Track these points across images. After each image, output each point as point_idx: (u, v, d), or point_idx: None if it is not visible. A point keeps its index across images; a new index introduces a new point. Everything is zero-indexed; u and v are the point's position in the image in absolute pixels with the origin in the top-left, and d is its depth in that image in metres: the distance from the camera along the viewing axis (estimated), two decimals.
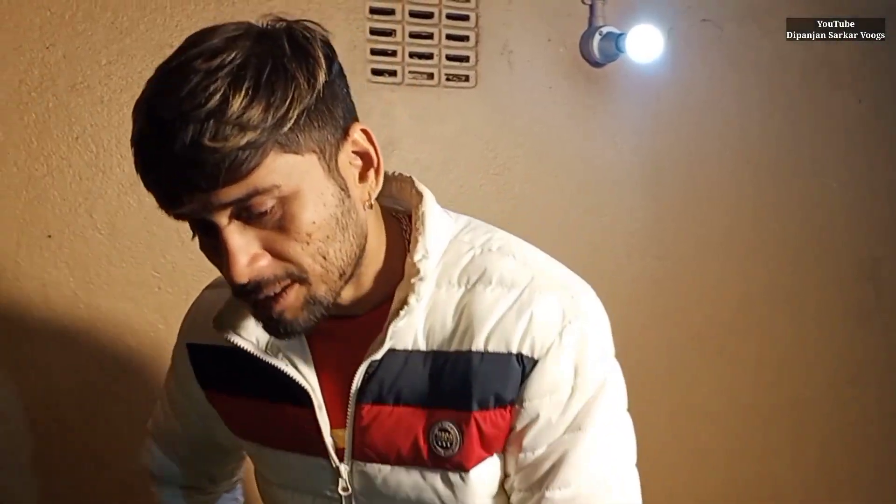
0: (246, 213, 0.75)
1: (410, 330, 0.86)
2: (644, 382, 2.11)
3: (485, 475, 0.90)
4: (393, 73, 1.77)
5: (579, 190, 1.99)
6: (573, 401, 0.86)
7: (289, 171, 0.75)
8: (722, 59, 2.13)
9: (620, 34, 1.88)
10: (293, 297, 0.80)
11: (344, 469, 0.93)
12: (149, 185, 0.76)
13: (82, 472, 1.60)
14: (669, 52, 1.94)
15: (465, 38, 1.83)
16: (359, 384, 0.88)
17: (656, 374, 2.14)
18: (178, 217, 0.78)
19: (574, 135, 1.97)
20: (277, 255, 0.78)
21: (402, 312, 0.84)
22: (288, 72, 0.74)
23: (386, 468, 0.91)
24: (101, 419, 1.59)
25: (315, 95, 0.76)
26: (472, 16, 1.83)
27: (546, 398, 0.85)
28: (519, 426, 0.87)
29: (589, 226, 2.01)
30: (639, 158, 2.05)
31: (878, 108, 2.35)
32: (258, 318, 0.85)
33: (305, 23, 0.81)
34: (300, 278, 0.79)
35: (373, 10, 1.74)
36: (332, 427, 0.92)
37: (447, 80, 1.82)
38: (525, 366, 0.85)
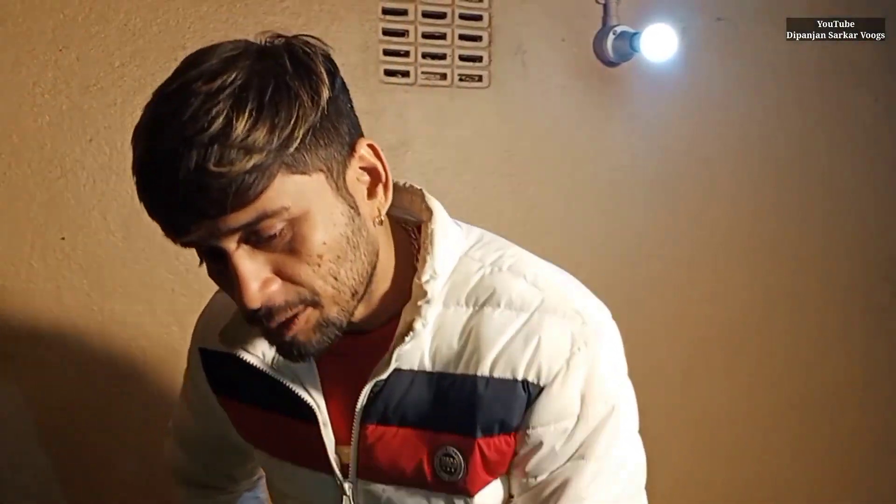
0: (255, 238, 0.74)
1: (417, 350, 0.85)
2: (659, 388, 2.10)
3: (489, 499, 0.89)
4: (406, 74, 1.76)
5: (593, 190, 1.98)
6: (578, 430, 0.84)
7: (297, 193, 0.73)
8: (737, 59, 2.12)
9: (634, 33, 1.87)
10: (304, 321, 0.78)
11: (348, 487, 0.92)
12: (153, 214, 0.74)
13: (95, 474, 1.59)
14: (684, 52, 1.93)
15: (478, 39, 1.83)
16: (364, 403, 0.87)
17: (674, 376, 2.13)
18: (185, 245, 0.76)
19: (588, 134, 1.96)
20: (288, 278, 0.76)
21: (406, 338, 0.82)
22: (291, 90, 0.72)
23: (390, 488, 0.90)
24: (114, 421, 1.59)
25: (320, 113, 0.74)
26: (486, 16, 1.82)
27: (550, 426, 0.84)
28: (522, 452, 0.86)
29: (603, 226, 2.00)
30: (653, 158, 2.04)
31: (895, 106, 2.33)
32: (271, 342, 0.83)
33: (305, 38, 0.79)
34: (312, 302, 0.78)
35: (385, 11, 1.73)
36: (337, 443, 0.92)
37: (460, 80, 1.81)
38: (531, 392, 0.83)
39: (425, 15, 1.77)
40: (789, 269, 2.26)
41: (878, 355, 2.41)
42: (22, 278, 1.50)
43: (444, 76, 1.80)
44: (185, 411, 1.16)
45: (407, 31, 1.76)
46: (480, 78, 1.83)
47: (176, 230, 0.74)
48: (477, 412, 0.83)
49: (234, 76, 0.71)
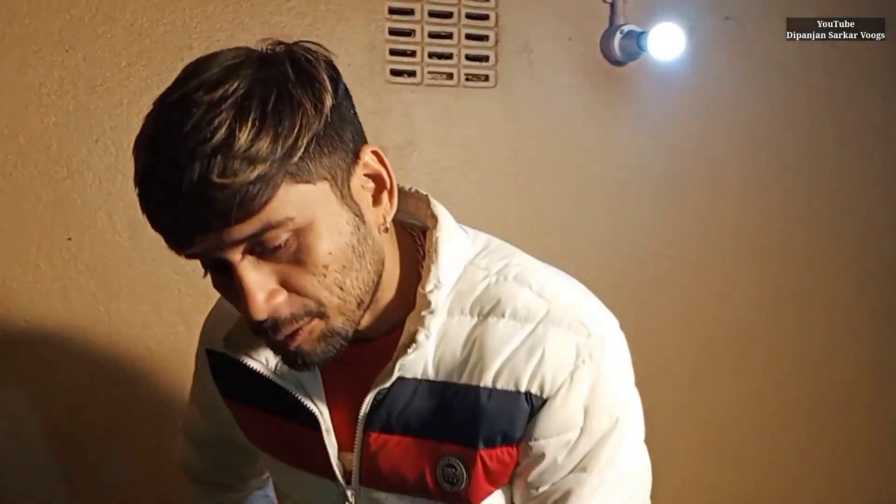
0: (260, 248, 0.73)
1: (420, 359, 0.84)
2: (667, 388, 2.10)
3: None
4: (412, 74, 1.76)
5: (600, 190, 1.97)
6: (580, 442, 0.83)
7: (302, 202, 0.72)
8: (745, 58, 2.11)
9: (642, 32, 1.86)
10: (308, 332, 0.78)
11: (351, 493, 0.92)
12: (157, 227, 0.73)
13: (102, 475, 1.59)
14: (691, 51, 1.92)
15: (484, 38, 1.82)
16: (367, 411, 0.87)
17: (682, 377, 2.12)
18: (189, 257, 0.75)
19: (595, 134, 1.95)
20: (293, 289, 0.75)
21: (409, 350, 0.82)
22: (294, 98, 0.71)
23: (393, 496, 0.90)
24: (120, 421, 1.59)
25: (323, 120, 0.73)
26: (492, 15, 1.82)
27: (553, 438, 0.83)
28: (524, 463, 0.85)
29: (610, 226, 1.99)
30: (661, 158, 2.03)
31: None
32: (276, 352, 0.83)
33: (306, 44, 0.78)
34: (318, 313, 0.77)
35: (392, 11, 1.73)
36: (341, 450, 0.91)
37: (467, 80, 1.81)
38: (533, 405, 0.82)
39: (431, 14, 1.77)
40: (798, 268, 2.24)
41: (886, 355, 2.40)
42: (28, 279, 1.50)
43: (450, 76, 1.80)
44: (195, 411, 1.17)
45: (413, 30, 1.75)
46: (487, 77, 1.83)
47: (180, 243, 0.73)
48: (479, 423, 0.83)
49: (235, 85, 0.70)
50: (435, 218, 0.87)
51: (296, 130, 0.70)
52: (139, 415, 1.60)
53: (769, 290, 2.21)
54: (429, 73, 1.77)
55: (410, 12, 1.75)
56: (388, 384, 0.84)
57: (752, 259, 2.18)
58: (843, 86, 2.24)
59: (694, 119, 2.06)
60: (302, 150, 0.71)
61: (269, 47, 0.77)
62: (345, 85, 0.79)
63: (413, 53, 1.76)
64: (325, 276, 0.75)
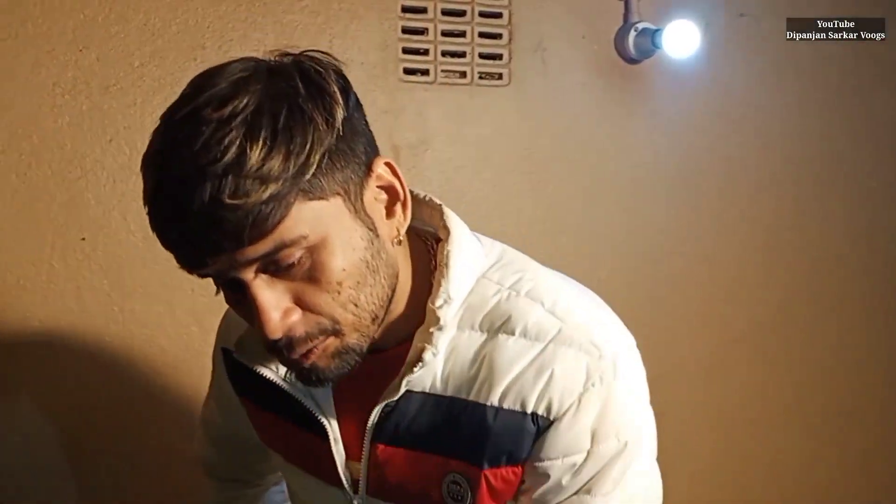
0: (273, 267, 0.72)
1: (429, 373, 0.83)
2: (681, 386, 2.09)
3: None
4: (425, 72, 1.75)
5: (615, 188, 1.96)
6: (586, 465, 0.81)
7: (315, 219, 0.71)
8: (760, 55, 2.09)
9: (656, 30, 1.85)
10: (322, 349, 0.77)
11: (357, 502, 0.92)
12: (167, 246, 0.72)
13: (115, 474, 1.60)
14: (706, 48, 1.91)
15: (498, 36, 1.81)
16: (374, 422, 0.86)
17: (696, 377, 2.11)
18: (202, 276, 0.74)
19: (609, 132, 1.94)
20: (308, 307, 0.74)
21: (415, 368, 0.81)
22: (305, 114, 0.70)
23: None
24: (133, 421, 1.59)
25: (335, 135, 0.71)
26: (505, 13, 1.81)
27: (558, 460, 0.81)
28: (528, 482, 0.84)
29: (625, 224, 1.98)
30: (675, 157, 2.02)
31: None
32: (290, 368, 0.82)
33: (314, 54, 0.76)
34: (333, 331, 0.76)
35: (405, 9, 1.72)
36: (349, 459, 0.91)
37: (480, 78, 1.80)
38: (540, 426, 0.80)
39: (445, 13, 1.76)
40: (811, 267, 2.23)
41: None
42: (42, 279, 1.50)
43: (463, 74, 1.79)
44: (213, 407, 1.17)
45: (426, 28, 1.75)
46: (500, 76, 1.82)
47: (192, 263, 0.72)
48: (485, 442, 0.82)
49: (245, 101, 0.68)
50: (447, 230, 0.86)
51: (308, 147, 0.69)
52: (152, 414, 1.60)
53: (782, 288, 2.20)
54: (442, 71, 1.77)
55: (423, 11, 1.74)
56: (394, 398, 0.83)
57: (765, 257, 2.17)
58: (859, 84, 2.22)
59: (709, 117, 2.05)
60: (314, 166, 0.69)
61: (276, 58, 0.76)
62: (355, 95, 0.78)
63: (426, 52, 1.75)
64: (339, 293, 0.74)
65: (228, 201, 0.66)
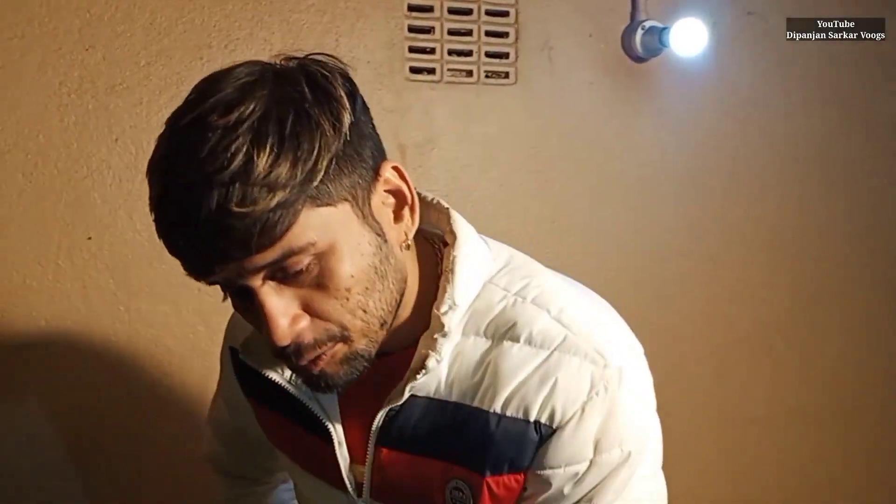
0: (281, 273, 0.71)
1: (434, 378, 0.83)
2: (688, 386, 2.08)
3: None
4: (432, 71, 1.75)
5: (622, 188, 1.96)
6: (589, 475, 0.81)
7: (323, 225, 0.70)
8: (768, 54, 2.08)
9: (663, 28, 1.84)
10: (331, 355, 0.76)
11: None
12: (174, 254, 0.72)
13: (122, 474, 1.60)
14: (713, 47, 1.90)
15: (504, 35, 1.81)
16: (378, 425, 0.86)
17: (702, 377, 2.11)
18: (209, 284, 0.74)
19: (616, 131, 1.93)
20: (316, 313, 0.74)
21: (419, 375, 0.80)
22: (312, 119, 0.69)
23: None
24: (140, 420, 1.59)
25: (342, 140, 0.71)
26: (512, 12, 1.80)
27: (560, 469, 0.80)
28: (531, 489, 0.83)
29: (631, 224, 1.97)
30: (683, 156, 2.01)
31: None
32: (298, 374, 0.82)
33: (320, 58, 0.76)
34: (342, 337, 0.76)
35: (411, 8, 1.72)
36: (353, 462, 0.90)
37: (487, 77, 1.80)
38: (542, 434, 0.80)
39: (451, 11, 1.75)
40: (818, 267, 2.22)
41: None
42: (49, 278, 1.50)
43: (470, 73, 1.78)
44: (221, 404, 1.17)
45: (433, 27, 1.74)
46: (507, 74, 1.81)
47: (199, 271, 0.72)
48: (487, 449, 0.81)
49: (251, 107, 0.68)
50: (454, 235, 0.85)
51: (315, 153, 0.68)
52: (157, 414, 1.60)
53: (788, 287, 2.19)
54: (448, 70, 1.76)
55: (430, 9, 1.73)
56: (398, 403, 0.83)
57: (771, 256, 2.16)
58: (867, 83, 2.21)
59: (716, 115, 2.04)
60: (322, 172, 0.69)
61: (282, 62, 0.75)
62: (362, 98, 0.77)
63: (433, 51, 1.75)
64: (347, 299, 0.74)
65: (236, 209, 0.65)
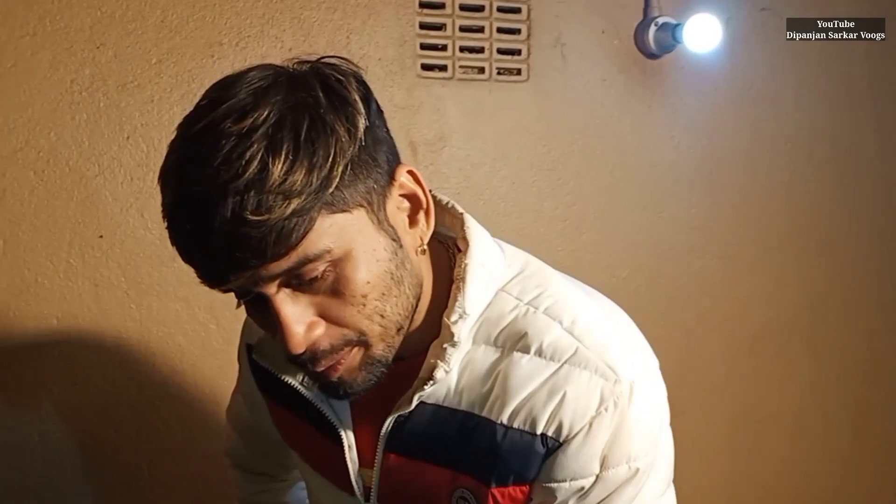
0: (296, 281, 0.71)
1: (443, 386, 0.82)
2: (703, 385, 2.07)
3: None
4: (443, 68, 1.74)
5: (635, 186, 1.94)
6: (594, 490, 0.80)
7: (339, 232, 0.70)
8: (782, 50, 2.06)
9: (677, 24, 1.83)
10: (350, 360, 0.76)
11: None
12: (188, 262, 0.71)
13: (133, 473, 1.60)
14: (728, 43, 1.89)
15: (516, 32, 1.80)
16: (387, 432, 0.85)
17: (716, 376, 2.09)
18: (224, 292, 0.73)
19: (629, 129, 1.92)
20: (333, 320, 0.73)
21: (426, 386, 0.80)
22: (327, 125, 0.68)
23: None
24: (151, 419, 1.59)
25: (357, 145, 0.70)
26: (524, 8, 1.79)
27: (565, 483, 0.79)
28: (536, 500, 0.83)
29: (645, 223, 1.96)
30: (696, 153, 2.00)
31: None
32: (314, 380, 0.81)
33: (333, 61, 0.75)
34: (359, 342, 0.75)
35: (422, 5, 1.71)
36: (362, 465, 0.90)
37: (499, 74, 1.79)
38: (549, 447, 0.79)
39: (463, 8, 1.75)
40: (835, 265, 2.20)
41: None
42: (60, 276, 1.50)
43: (481, 70, 1.77)
44: (239, 401, 1.17)
45: (444, 24, 1.73)
46: (519, 71, 1.80)
47: (214, 280, 0.71)
48: (494, 460, 0.80)
49: (266, 113, 0.67)
50: (467, 242, 0.83)
51: (330, 159, 0.68)
52: (169, 412, 1.60)
53: (803, 286, 2.18)
54: (460, 67, 1.75)
55: (441, 6, 1.73)
56: (407, 411, 0.83)
57: (789, 255, 2.14)
58: (886, 80, 2.19)
59: (730, 112, 2.03)
60: (337, 179, 0.68)
61: (295, 66, 0.74)
62: (376, 102, 0.76)
63: (444, 48, 1.74)
64: (364, 305, 0.73)
65: (251, 217, 0.65)
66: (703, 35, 1.80)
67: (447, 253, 0.87)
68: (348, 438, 0.89)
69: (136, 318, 1.56)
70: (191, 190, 0.67)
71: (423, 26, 1.72)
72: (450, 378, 0.81)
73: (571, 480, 0.79)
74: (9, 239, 1.47)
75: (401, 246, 0.76)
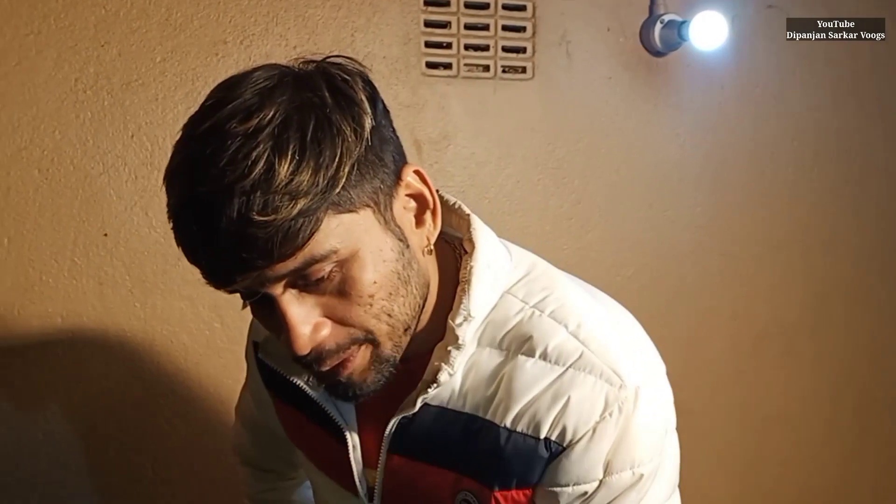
0: (302, 281, 0.70)
1: (447, 388, 0.81)
2: (708, 382, 2.06)
3: None
4: (448, 66, 1.73)
5: (640, 184, 1.94)
6: (597, 495, 0.79)
7: (345, 232, 0.70)
8: (788, 48, 2.06)
9: (683, 22, 1.82)
10: (360, 359, 0.75)
11: None
12: (194, 263, 0.71)
13: (138, 472, 1.60)
14: (733, 41, 1.89)
15: (521, 29, 1.79)
16: (390, 433, 0.85)
17: (721, 374, 2.09)
18: (229, 293, 0.73)
19: (635, 127, 1.91)
20: (339, 320, 0.73)
21: (430, 389, 0.79)
22: (333, 125, 0.68)
23: None
24: (155, 418, 1.59)
25: (364, 145, 0.70)
26: (529, 6, 1.79)
27: (569, 488, 0.79)
28: (539, 503, 0.82)
29: (650, 221, 1.96)
30: (702, 151, 1.99)
31: None
32: (321, 381, 0.80)
33: (339, 60, 0.75)
34: (367, 340, 0.75)
35: (427, 2, 1.71)
36: (366, 465, 0.90)
37: (503, 72, 1.78)
38: (552, 451, 0.78)
39: (468, 6, 1.74)
40: (841, 263, 2.20)
41: None
42: (64, 274, 1.50)
43: (486, 68, 1.77)
44: (248, 396, 1.16)
45: (449, 22, 1.73)
46: (524, 69, 1.80)
47: (219, 281, 0.71)
48: (497, 464, 0.80)
49: (271, 113, 0.66)
50: (472, 244, 0.83)
51: (337, 160, 0.67)
52: (173, 410, 1.60)
53: (808, 284, 2.17)
54: (465, 65, 1.75)
55: (446, 3, 1.72)
56: (411, 413, 0.82)
57: (796, 253, 2.14)
58: (891, 77, 2.18)
59: (736, 111, 2.02)
60: (344, 179, 0.68)
61: (300, 65, 0.74)
62: (383, 102, 0.76)
63: (449, 45, 1.73)
64: (371, 305, 0.73)
65: (257, 218, 0.64)
66: (709, 33, 1.79)
67: (454, 254, 0.86)
68: (353, 438, 0.89)
69: (140, 317, 1.55)
70: (196, 191, 0.66)
71: (427, 24, 1.71)
72: (454, 380, 0.81)
73: (574, 485, 0.79)
74: (13, 237, 1.47)
75: (407, 246, 0.76)
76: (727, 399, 2.11)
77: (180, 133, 0.71)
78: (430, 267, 0.82)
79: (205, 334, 1.59)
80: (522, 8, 1.78)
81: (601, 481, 0.78)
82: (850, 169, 2.17)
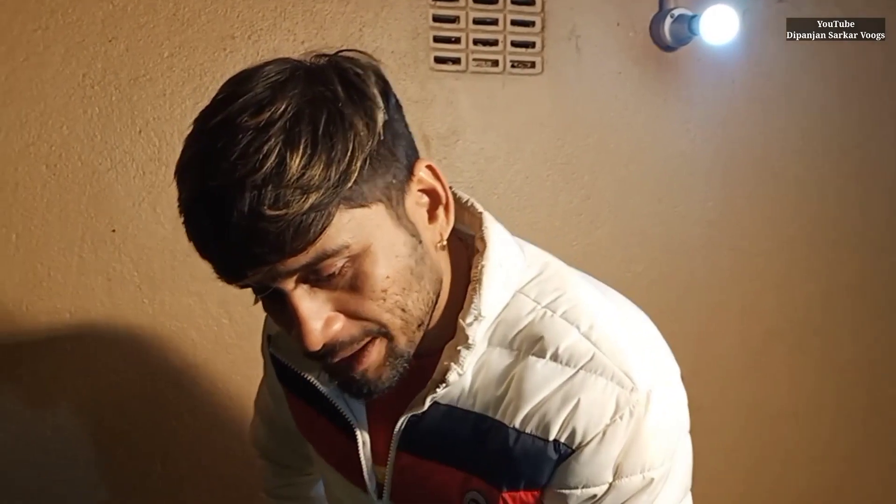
0: (314, 276, 0.70)
1: (457, 387, 0.81)
2: (718, 379, 2.06)
3: None
4: (457, 61, 1.73)
5: (650, 180, 1.93)
6: (606, 498, 0.78)
7: (357, 227, 0.69)
8: (798, 43, 2.04)
9: (693, 16, 1.81)
10: (376, 354, 0.75)
11: None
12: (205, 257, 0.70)
13: (146, 467, 1.60)
14: (744, 35, 1.87)
15: (530, 24, 1.78)
16: (400, 430, 0.84)
17: (731, 369, 2.08)
18: (241, 287, 0.72)
19: (645, 122, 1.90)
20: (352, 315, 0.72)
21: (439, 388, 0.79)
22: (345, 119, 0.68)
23: None
24: (164, 413, 1.59)
25: (376, 139, 0.69)
26: (538, 0, 1.78)
27: (577, 490, 0.78)
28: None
29: (660, 217, 1.95)
30: (712, 146, 1.98)
31: None
32: (333, 376, 0.80)
33: (352, 55, 0.74)
34: (381, 333, 0.74)
35: None
36: (376, 462, 0.89)
37: (512, 66, 1.77)
38: (561, 453, 0.77)
39: (476, 0, 1.73)
40: (851, 259, 2.18)
41: None
42: (72, 270, 1.50)
43: (495, 63, 1.76)
44: (265, 391, 1.17)
45: (458, 16, 1.72)
46: (533, 64, 1.79)
47: (231, 275, 0.70)
48: (506, 464, 0.79)
49: (283, 107, 0.66)
50: (484, 242, 0.82)
51: (349, 154, 0.67)
52: (182, 406, 1.60)
53: (821, 280, 2.16)
54: (474, 60, 1.74)
55: None
56: (420, 411, 0.82)
57: (807, 250, 2.13)
58: None
59: (746, 106, 2.01)
60: (356, 173, 0.67)
61: (312, 60, 0.73)
62: (395, 96, 0.75)
63: (458, 40, 1.72)
64: (384, 299, 0.72)
65: (269, 212, 0.64)
66: (719, 27, 1.78)
67: (466, 252, 0.85)
68: (363, 435, 0.88)
69: (148, 313, 1.55)
70: (207, 185, 0.66)
71: (436, 19, 1.70)
72: (464, 379, 0.80)
73: (583, 488, 0.78)
74: (21, 233, 1.47)
75: (420, 241, 0.75)
76: (736, 395, 2.10)
77: (191, 127, 0.71)
78: (443, 263, 0.81)
79: (213, 330, 1.59)
80: (531, 2, 1.77)
81: (611, 484, 0.77)
82: (861, 163, 2.16)
